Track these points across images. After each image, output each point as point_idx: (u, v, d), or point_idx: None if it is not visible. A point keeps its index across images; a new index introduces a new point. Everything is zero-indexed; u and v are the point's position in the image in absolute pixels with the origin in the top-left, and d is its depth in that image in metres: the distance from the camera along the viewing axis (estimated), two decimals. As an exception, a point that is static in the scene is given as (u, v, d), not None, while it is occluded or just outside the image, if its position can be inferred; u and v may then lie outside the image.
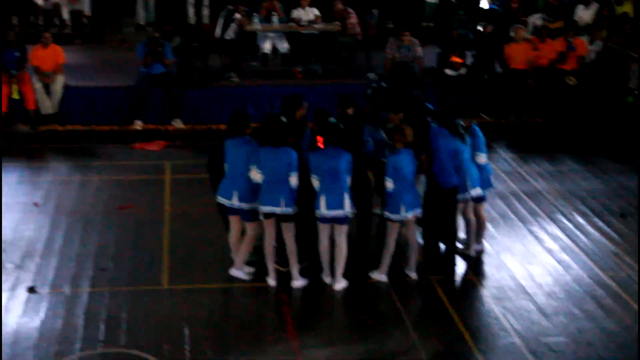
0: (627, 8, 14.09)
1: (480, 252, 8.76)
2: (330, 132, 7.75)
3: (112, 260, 8.54)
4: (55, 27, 15.88)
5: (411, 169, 7.90)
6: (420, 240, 8.41)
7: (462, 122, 8.28)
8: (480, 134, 8.47)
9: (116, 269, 8.37)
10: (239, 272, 8.17)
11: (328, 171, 7.69)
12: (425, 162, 8.04)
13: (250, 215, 7.97)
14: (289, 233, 7.95)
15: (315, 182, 7.77)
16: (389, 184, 7.86)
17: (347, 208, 7.76)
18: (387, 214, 8.02)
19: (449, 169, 8.08)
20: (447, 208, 8.16)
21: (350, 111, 8.44)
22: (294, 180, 7.73)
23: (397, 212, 7.91)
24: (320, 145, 7.90)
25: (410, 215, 7.95)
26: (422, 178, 8.22)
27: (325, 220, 7.83)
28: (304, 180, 7.82)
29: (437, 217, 8.16)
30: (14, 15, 15.74)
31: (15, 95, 12.44)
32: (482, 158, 8.46)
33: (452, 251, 8.36)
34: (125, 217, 9.68)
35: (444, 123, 8.14)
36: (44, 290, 7.90)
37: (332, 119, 7.99)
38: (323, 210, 7.74)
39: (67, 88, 12.83)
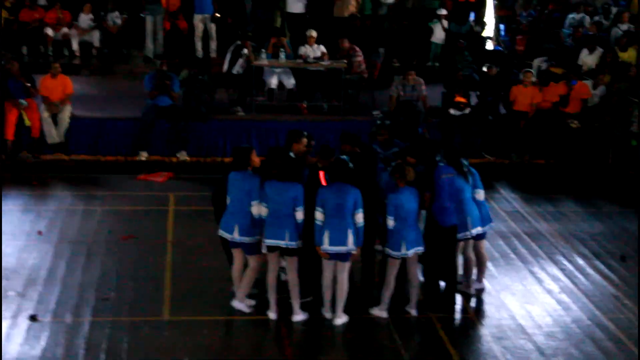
0: (631, 54, 14.27)
1: (480, 291, 8.79)
2: (338, 168, 7.83)
3: (114, 290, 8.58)
4: (64, 57, 16.08)
5: (413, 207, 7.97)
6: (421, 278, 8.45)
7: (466, 162, 8.39)
8: (475, 171, 8.56)
9: (118, 299, 8.40)
10: (241, 304, 8.19)
11: (334, 207, 7.75)
12: (428, 201, 8.12)
13: (253, 249, 8.03)
14: (292, 267, 7.99)
15: (319, 215, 7.82)
16: (390, 222, 7.93)
17: (350, 245, 7.81)
18: (387, 250, 8.07)
19: (449, 207, 8.16)
20: (446, 246, 8.22)
21: (357, 149, 8.55)
22: (299, 214, 7.79)
23: (397, 249, 7.96)
24: (323, 181, 7.98)
25: (411, 253, 8.00)
26: (423, 214, 8.29)
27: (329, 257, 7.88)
28: (309, 215, 7.89)
29: (437, 254, 8.21)
30: (23, 45, 15.94)
31: (27, 122, 12.58)
32: (481, 195, 8.55)
33: (452, 289, 8.40)
34: (128, 247, 9.72)
35: (451, 162, 8.24)
36: (46, 318, 7.93)
37: (344, 156, 8.08)
38: (326, 246, 7.79)
39: (73, 118, 12.96)
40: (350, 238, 7.77)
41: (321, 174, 8.09)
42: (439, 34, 16.32)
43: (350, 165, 7.88)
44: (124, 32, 16.51)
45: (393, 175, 8.03)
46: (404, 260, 8.11)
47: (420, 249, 8.07)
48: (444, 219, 8.14)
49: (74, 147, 13.00)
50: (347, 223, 7.76)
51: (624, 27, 15.37)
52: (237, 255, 8.20)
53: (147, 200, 11.39)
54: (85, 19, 16.38)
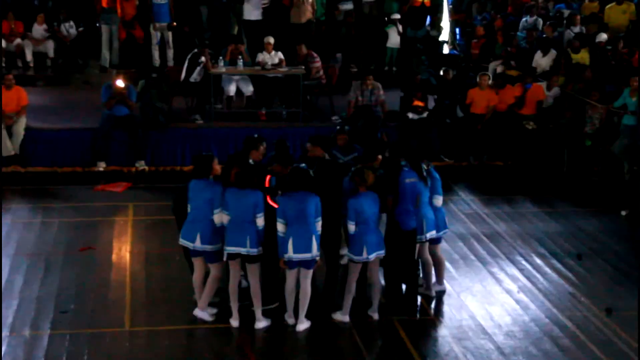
0: (584, 55, 14.52)
1: (441, 293, 8.87)
2: (298, 177, 7.85)
3: (73, 302, 8.48)
4: (18, 69, 15.86)
5: (373, 211, 8.02)
6: (382, 281, 8.50)
7: (425, 166, 8.47)
8: (438, 177, 8.65)
9: (77, 311, 8.30)
10: (203, 313, 8.16)
11: (296, 215, 7.75)
12: (391, 204, 8.17)
13: (214, 257, 8.00)
14: (253, 274, 7.98)
15: (281, 227, 7.81)
16: (351, 227, 7.97)
17: (315, 252, 7.83)
18: (349, 255, 8.11)
19: (411, 211, 8.23)
20: (406, 249, 8.28)
21: (318, 153, 8.58)
22: (260, 221, 7.79)
23: (359, 254, 8.00)
24: (267, 184, 8.00)
25: (372, 257, 8.05)
26: (384, 218, 8.35)
27: (292, 264, 7.89)
28: (270, 221, 7.88)
29: (398, 258, 8.27)
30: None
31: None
32: (439, 201, 8.64)
33: (413, 292, 8.46)
34: (86, 258, 9.62)
35: (413, 166, 8.31)
36: (4, 333, 7.80)
37: (303, 165, 8.10)
38: (290, 253, 7.79)
39: (29, 129, 12.79)
40: (315, 245, 7.79)
41: (267, 177, 8.10)
42: (394, 39, 16.46)
43: (311, 172, 7.91)
44: (79, 41, 16.36)
45: (353, 180, 8.07)
46: (365, 264, 8.15)
47: (381, 253, 8.11)
48: (406, 222, 8.21)
49: (30, 158, 12.83)
50: (311, 230, 7.78)
51: (576, 29, 15.65)
52: (198, 264, 8.16)
53: (106, 210, 11.28)
54: (38, 30, 16.18)
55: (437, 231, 8.63)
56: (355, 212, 7.93)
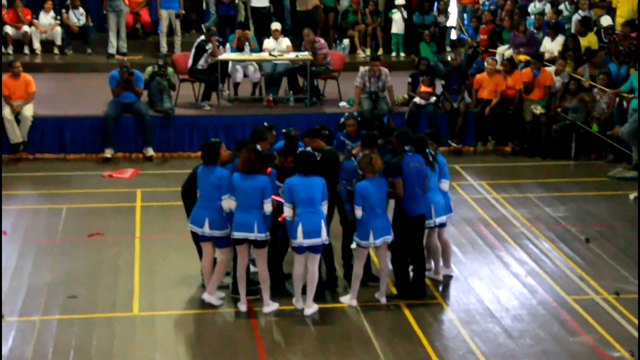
0: (592, 39, 14.43)
1: (449, 277, 8.87)
2: (306, 161, 7.85)
3: (82, 288, 8.52)
4: (25, 56, 15.89)
5: (381, 196, 8.01)
6: (390, 266, 8.51)
7: (431, 150, 8.45)
8: (444, 162, 8.64)
9: (86, 297, 8.34)
10: (211, 298, 8.19)
11: (304, 199, 7.77)
12: (400, 188, 8.15)
13: (222, 242, 8.03)
14: (261, 259, 8.00)
15: (288, 211, 7.83)
16: (358, 212, 7.97)
17: (324, 236, 7.84)
18: (356, 239, 8.12)
19: (416, 196, 8.22)
20: (414, 235, 8.28)
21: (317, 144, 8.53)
22: (268, 206, 7.81)
23: (366, 238, 8.01)
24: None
25: (379, 241, 8.05)
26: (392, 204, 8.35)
27: (301, 249, 7.90)
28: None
29: (406, 243, 8.27)
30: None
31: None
32: (446, 185, 8.63)
33: (421, 276, 8.46)
34: (95, 244, 9.66)
35: (418, 150, 8.29)
36: (13, 318, 7.86)
37: (309, 149, 8.10)
38: (300, 239, 7.81)
39: (36, 117, 12.82)
40: (324, 229, 7.81)
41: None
42: (399, 25, 16.40)
43: (317, 155, 7.90)
44: (86, 29, 16.37)
45: (361, 166, 8.06)
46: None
47: (388, 238, 8.11)
48: (413, 208, 8.20)
49: (37, 145, 12.87)
50: (319, 214, 7.79)
51: (584, 13, 15.54)
52: (207, 249, 8.19)
53: (114, 197, 11.32)
54: (46, 17, 16.19)
55: (444, 215, 8.61)
56: (362, 197, 7.93)
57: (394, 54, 16.69)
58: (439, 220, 8.50)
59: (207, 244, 8.15)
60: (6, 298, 8.22)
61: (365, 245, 8.06)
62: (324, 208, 7.85)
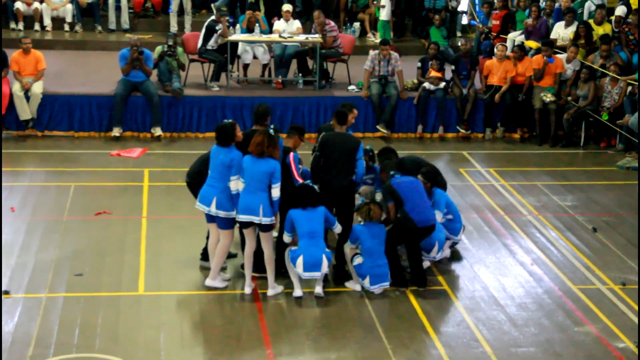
0: (607, 27, 14.31)
1: (454, 263, 8.88)
2: (307, 195, 7.95)
3: (88, 266, 8.55)
4: (36, 32, 15.88)
5: (376, 242, 8.05)
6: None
7: (422, 178, 8.55)
8: (441, 196, 8.71)
9: (92, 275, 8.38)
10: (214, 282, 8.20)
11: (307, 233, 7.87)
12: (393, 210, 8.20)
13: (226, 224, 8.02)
14: (267, 242, 8.01)
15: (287, 239, 7.97)
16: (348, 250, 8.18)
17: (324, 269, 7.93)
18: (354, 282, 8.29)
19: (421, 206, 8.23)
20: (416, 240, 8.33)
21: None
22: (276, 191, 7.81)
23: (363, 279, 8.12)
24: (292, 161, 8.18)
25: (375, 287, 8.08)
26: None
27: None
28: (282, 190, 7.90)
29: (406, 243, 8.40)
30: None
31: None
32: (439, 216, 8.65)
33: (418, 265, 8.40)
34: (102, 222, 9.69)
35: (406, 172, 8.42)
36: (19, 294, 7.90)
37: (308, 182, 8.18)
38: (300, 270, 7.89)
39: (46, 94, 12.82)
40: (325, 263, 7.90)
41: (291, 156, 8.17)
42: (387, 11, 16.21)
43: (316, 188, 8.03)
44: (97, 7, 16.33)
45: (359, 214, 8.17)
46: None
47: (385, 285, 8.14)
48: (417, 218, 8.18)
49: (47, 123, 12.88)
50: (321, 247, 7.91)
51: (598, 1, 15.41)
52: (214, 229, 8.19)
53: (122, 176, 11.33)
54: (57, -6, 16.18)
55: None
56: (357, 239, 8.07)
57: (405, 37, 16.53)
58: (439, 256, 8.59)
59: (213, 225, 8.16)
60: (13, 274, 8.27)
61: (362, 286, 8.17)
62: (337, 229, 8.12)
